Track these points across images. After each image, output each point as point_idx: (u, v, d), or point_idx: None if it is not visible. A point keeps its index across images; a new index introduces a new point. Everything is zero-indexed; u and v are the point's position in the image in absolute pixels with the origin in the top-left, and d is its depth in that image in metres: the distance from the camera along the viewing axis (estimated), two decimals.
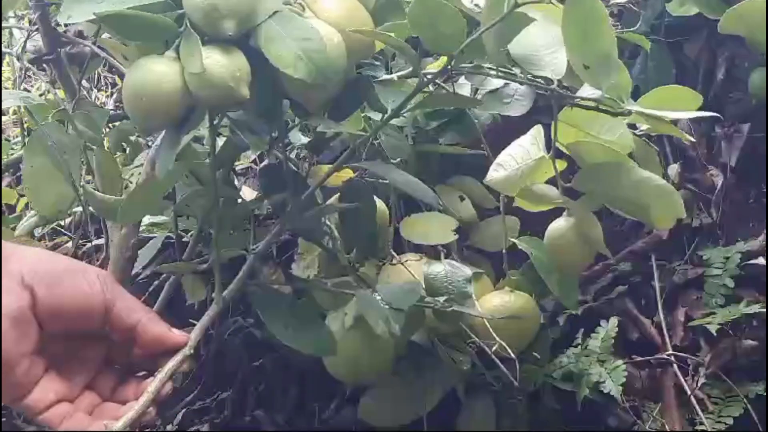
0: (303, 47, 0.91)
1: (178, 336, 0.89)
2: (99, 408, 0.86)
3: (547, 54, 1.04)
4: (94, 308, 0.84)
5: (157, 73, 0.90)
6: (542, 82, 1.07)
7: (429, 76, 1.07)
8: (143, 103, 0.90)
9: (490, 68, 1.07)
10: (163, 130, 0.98)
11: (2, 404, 1.32)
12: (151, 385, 0.87)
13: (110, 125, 1.35)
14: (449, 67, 1.02)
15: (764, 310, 1.36)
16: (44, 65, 1.58)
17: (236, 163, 1.62)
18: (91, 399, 0.86)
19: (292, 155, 1.43)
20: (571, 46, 1.00)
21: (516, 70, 1.09)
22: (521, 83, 1.10)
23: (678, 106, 1.08)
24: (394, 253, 1.37)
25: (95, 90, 1.96)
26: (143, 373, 0.90)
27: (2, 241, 0.82)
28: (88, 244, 1.59)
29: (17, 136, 1.87)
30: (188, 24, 0.91)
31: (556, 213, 1.18)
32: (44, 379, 0.83)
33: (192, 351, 0.92)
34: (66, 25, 1.45)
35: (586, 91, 1.06)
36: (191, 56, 0.89)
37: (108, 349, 0.89)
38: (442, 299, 1.18)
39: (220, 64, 0.90)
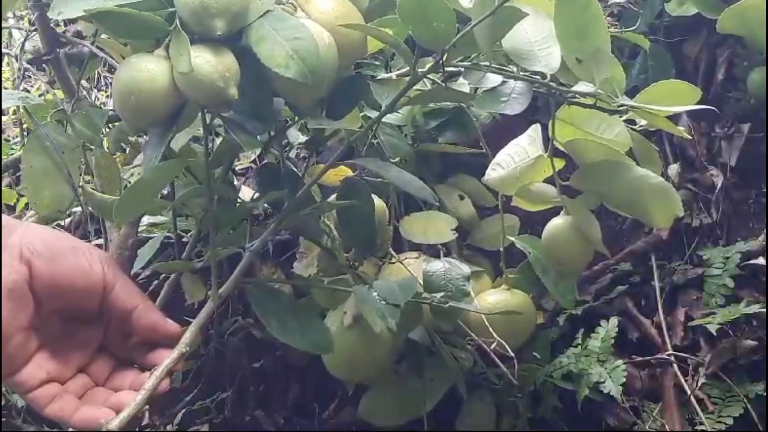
0: (294, 47, 0.91)
1: (171, 326, 0.89)
2: (90, 392, 0.86)
3: (540, 49, 1.04)
4: (93, 287, 0.84)
5: (146, 71, 0.91)
6: (537, 77, 1.07)
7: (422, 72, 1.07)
8: (132, 101, 0.91)
9: (483, 64, 1.07)
10: (153, 129, 0.98)
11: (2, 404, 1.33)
12: (147, 382, 0.86)
13: (110, 125, 1.35)
14: (441, 61, 1.02)
15: (764, 310, 1.36)
16: (44, 65, 1.59)
17: (236, 163, 1.62)
18: (83, 382, 0.86)
19: (292, 155, 1.43)
20: (564, 41, 1.00)
21: (512, 68, 1.09)
22: (515, 79, 1.09)
23: (677, 101, 1.08)
24: (393, 252, 1.37)
25: (95, 90, 1.97)
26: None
27: (5, 216, 0.83)
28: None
29: (17, 136, 1.87)
30: (178, 23, 0.91)
31: (555, 212, 1.18)
32: (37, 356, 0.83)
33: (188, 348, 0.92)
34: (65, 25, 1.45)
35: (581, 86, 1.06)
36: (180, 55, 0.89)
37: (104, 336, 0.89)
38: (439, 295, 1.18)
39: (209, 64, 0.90)
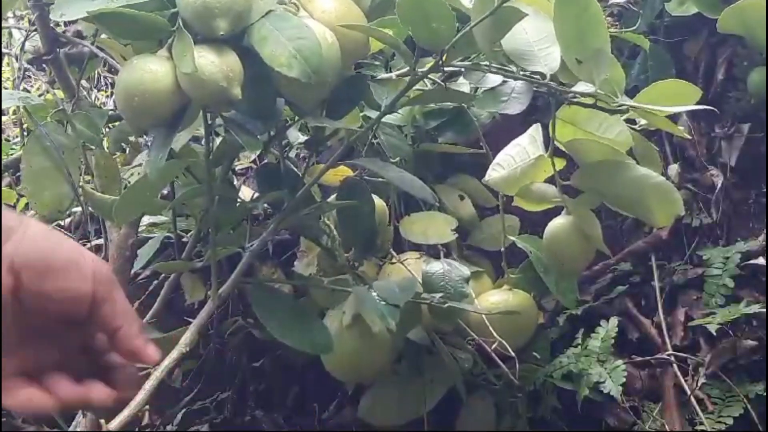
0: (297, 46, 0.91)
1: (151, 354, 0.87)
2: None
3: (540, 49, 1.04)
4: (79, 306, 0.82)
5: (149, 72, 0.91)
6: (537, 77, 1.07)
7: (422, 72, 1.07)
8: (135, 101, 0.91)
9: (483, 65, 1.07)
10: (156, 129, 0.98)
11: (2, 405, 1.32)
12: (147, 383, 0.86)
13: (110, 125, 1.35)
14: (441, 62, 1.02)
15: (764, 310, 1.36)
16: (44, 65, 1.58)
17: (236, 163, 1.62)
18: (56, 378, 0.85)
19: (292, 154, 1.43)
20: (564, 41, 1.00)
21: (512, 68, 1.09)
22: (515, 79, 1.10)
23: (677, 101, 1.08)
24: (393, 252, 1.37)
25: (95, 90, 1.96)
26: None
27: (6, 213, 0.82)
28: (88, 244, 1.59)
29: (17, 136, 1.87)
30: (181, 23, 0.91)
31: (556, 211, 1.18)
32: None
33: (188, 348, 0.93)
34: (66, 25, 1.45)
35: (581, 86, 1.06)
36: (183, 56, 0.89)
37: (88, 336, 0.88)
38: (438, 296, 1.18)
39: (213, 64, 0.90)
